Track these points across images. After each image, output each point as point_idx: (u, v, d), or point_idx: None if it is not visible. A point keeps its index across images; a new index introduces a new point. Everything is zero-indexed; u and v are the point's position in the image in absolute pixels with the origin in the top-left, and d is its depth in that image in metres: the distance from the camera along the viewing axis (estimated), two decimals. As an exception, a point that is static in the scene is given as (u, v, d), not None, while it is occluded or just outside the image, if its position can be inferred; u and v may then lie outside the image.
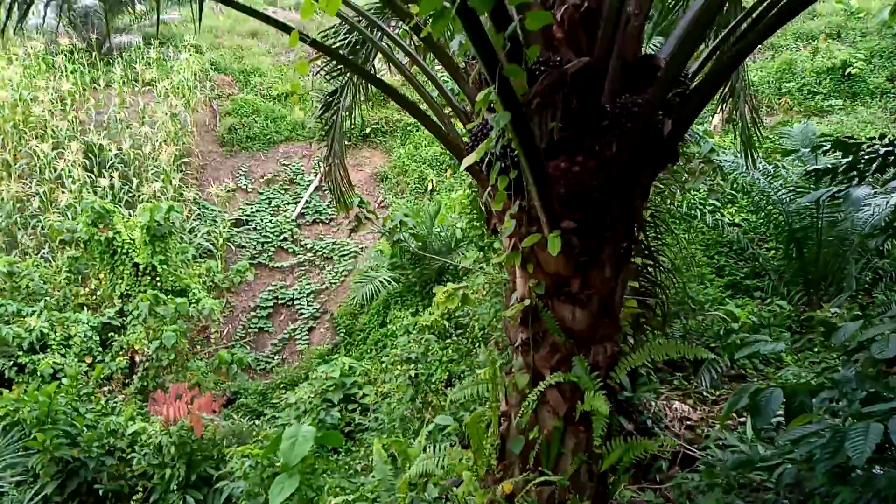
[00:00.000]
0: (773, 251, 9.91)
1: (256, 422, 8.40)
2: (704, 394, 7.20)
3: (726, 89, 6.59)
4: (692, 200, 10.40)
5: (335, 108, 6.91)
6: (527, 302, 2.98)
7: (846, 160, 4.77)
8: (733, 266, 9.99)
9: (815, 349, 6.90)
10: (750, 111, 6.90)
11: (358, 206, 8.32)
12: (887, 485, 3.51)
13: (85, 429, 7.24)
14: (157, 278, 10.51)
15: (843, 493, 3.86)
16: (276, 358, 12.90)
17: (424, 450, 3.34)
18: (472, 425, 2.98)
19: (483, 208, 3.30)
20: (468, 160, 2.64)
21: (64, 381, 8.08)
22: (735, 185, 10.46)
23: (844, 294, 8.21)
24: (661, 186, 7.54)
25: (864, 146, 4.87)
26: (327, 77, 6.71)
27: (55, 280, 10.90)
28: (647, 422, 6.48)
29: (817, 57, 13.38)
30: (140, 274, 10.52)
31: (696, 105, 2.92)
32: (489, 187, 2.85)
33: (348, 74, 6.60)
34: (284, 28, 2.97)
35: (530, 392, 2.91)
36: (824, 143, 5.04)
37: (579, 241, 2.85)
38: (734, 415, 6.77)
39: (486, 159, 2.69)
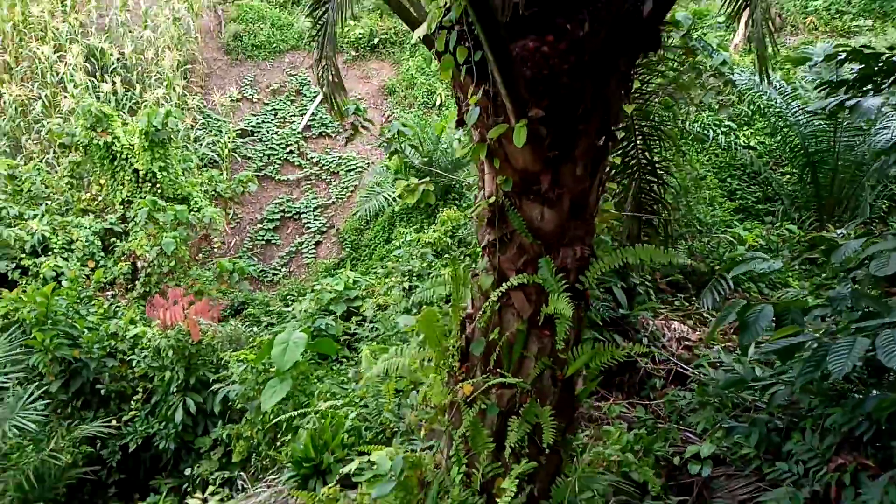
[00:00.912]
0: (788, 176, 9.59)
1: (255, 328, 8.49)
2: (705, 315, 7.11)
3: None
4: (706, 121, 10.00)
5: (326, 4, 6.58)
6: (492, 200, 2.82)
7: (860, 69, 4.45)
8: (745, 190, 9.71)
9: (821, 272, 6.71)
10: (765, 20, 6.45)
11: (354, 114, 8.05)
12: (877, 407, 3.43)
13: (86, 331, 7.35)
14: (158, 185, 10.42)
15: (835, 413, 3.79)
16: (283, 270, 12.99)
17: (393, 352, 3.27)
18: (425, 323, 2.89)
19: (455, 99, 3.09)
20: (420, 31, 2.41)
21: (64, 283, 8.15)
22: (752, 107, 10.02)
23: (858, 220, 7.95)
24: (669, 99, 7.21)
25: (882, 56, 4.53)
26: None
27: (57, 185, 10.86)
28: (644, 340, 6.43)
29: (850, -28, 12.54)
30: (140, 180, 10.44)
31: None
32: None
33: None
34: None
35: (493, 293, 2.80)
36: (840, 53, 4.68)
37: (549, 132, 2.64)
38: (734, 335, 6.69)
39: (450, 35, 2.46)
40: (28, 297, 7.05)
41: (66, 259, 9.31)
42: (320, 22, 7.50)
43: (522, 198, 2.84)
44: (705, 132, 9.49)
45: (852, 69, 5.00)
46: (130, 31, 15.17)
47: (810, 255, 6.70)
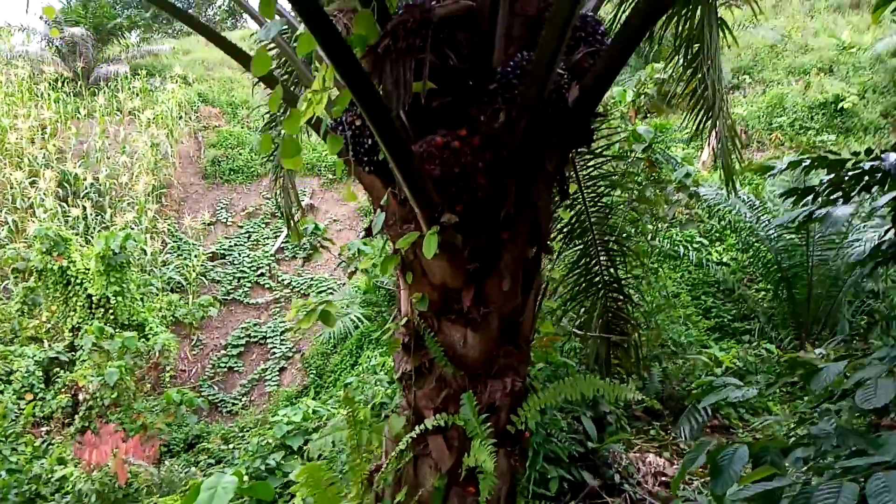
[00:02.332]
0: (763, 292, 9.31)
1: (195, 469, 7.71)
2: (682, 446, 6.55)
3: (703, 107, 6.03)
4: (676, 237, 9.85)
5: (278, 125, 6.49)
6: (403, 320, 2.40)
7: (828, 178, 4.22)
8: (720, 307, 9.38)
9: (802, 395, 6.24)
10: (731, 136, 6.39)
11: (313, 233, 7.79)
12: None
13: (4, 473, 6.61)
14: (111, 311, 9.94)
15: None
16: (243, 399, 12.24)
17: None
18: (312, 483, 2.36)
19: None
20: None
21: (-11, 418, 7.47)
22: (722, 222, 9.92)
23: (837, 338, 7.57)
24: (634, 214, 7.02)
25: (848, 162, 4.34)
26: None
27: (7, 312, 10.35)
28: (615, 477, 5.82)
29: (809, 91, 12.98)
30: (94, 306, 9.96)
31: (607, 65, 2.27)
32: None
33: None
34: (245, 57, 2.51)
35: (404, 438, 2.31)
36: (804, 160, 4.49)
37: (467, 241, 2.27)
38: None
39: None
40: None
41: (1, 392, 8.63)
42: (275, 142, 7.39)
43: (442, 319, 2.42)
44: (676, 248, 9.29)
45: (822, 179, 4.82)
46: (107, 157, 15.27)
47: (789, 379, 6.24)
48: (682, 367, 7.41)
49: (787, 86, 13.87)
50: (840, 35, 14.27)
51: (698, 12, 4.71)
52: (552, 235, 5.47)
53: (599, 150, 4.99)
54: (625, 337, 6.33)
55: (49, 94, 15.72)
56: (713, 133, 6.00)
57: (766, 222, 8.34)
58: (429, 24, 1.92)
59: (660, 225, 8.51)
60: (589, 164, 4.94)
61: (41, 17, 18.05)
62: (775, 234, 8.26)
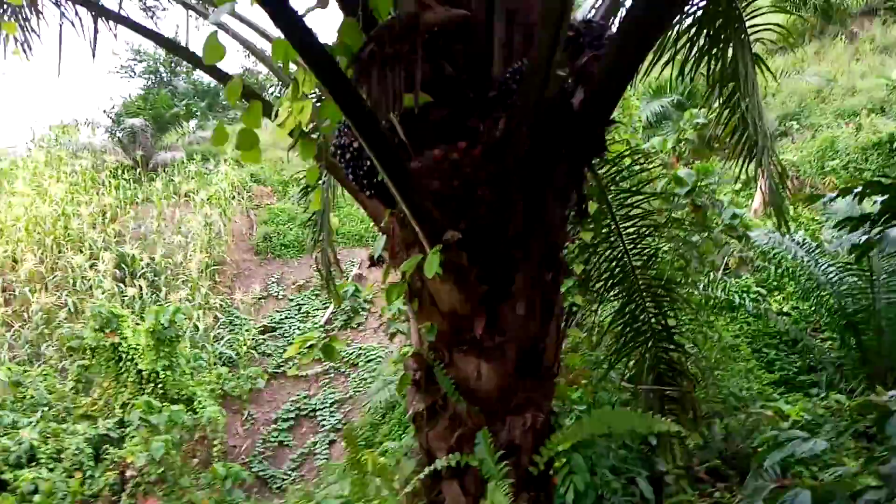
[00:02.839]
0: (829, 341, 8.71)
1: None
2: (751, 509, 5.97)
3: (745, 146, 5.78)
4: (731, 287, 9.40)
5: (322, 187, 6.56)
6: (406, 349, 2.23)
7: (882, 201, 3.93)
8: (784, 360, 8.80)
9: (879, 446, 5.64)
10: (777, 171, 6.10)
11: (353, 296, 7.73)
12: None
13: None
14: (161, 385, 10.03)
15: None
16: (293, 474, 12.03)
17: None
18: None
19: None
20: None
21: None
22: (780, 270, 9.45)
23: (912, 383, 6.95)
24: (682, 260, 6.72)
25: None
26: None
27: (61, 390, 10.57)
28: (677, 545, 5.35)
29: (861, 133, 12.51)
30: (144, 381, 10.08)
31: (611, 63, 2.06)
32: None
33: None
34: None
35: (412, 482, 2.11)
36: (856, 186, 4.21)
37: (474, 261, 2.11)
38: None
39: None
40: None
41: (51, 470, 8.68)
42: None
43: (453, 349, 2.25)
44: (731, 298, 8.85)
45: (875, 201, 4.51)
46: (163, 238, 15.87)
47: (860, 428, 5.68)
48: (746, 423, 6.90)
49: (837, 129, 13.44)
50: (890, 74, 13.86)
51: (730, 50, 4.59)
52: (592, 273, 5.24)
53: (635, 187, 4.82)
54: (680, 390, 5.96)
55: (110, 182, 16.59)
56: (762, 178, 5.74)
57: (826, 265, 7.89)
58: (417, 30, 1.84)
59: (712, 273, 8.15)
60: (626, 202, 4.76)
61: (104, 111, 19.31)
62: (836, 278, 7.78)
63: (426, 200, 2.03)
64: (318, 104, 1.90)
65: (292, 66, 1.80)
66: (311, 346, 2.55)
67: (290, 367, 13.90)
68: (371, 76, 1.79)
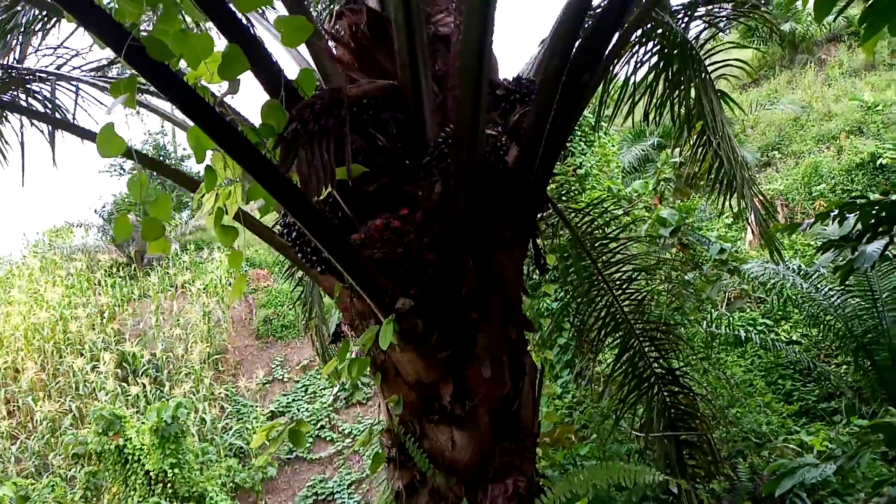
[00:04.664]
0: (844, 366, 8.54)
1: None
2: (786, 551, 5.72)
3: (723, 180, 5.76)
4: (736, 322, 9.27)
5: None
6: (379, 426, 2.16)
7: (856, 219, 3.93)
8: (801, 389, 8.60)
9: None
10: (760, 201, 6.08)
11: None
12: None
13: None
14: (170, 484, 9.76)
15: None
16: (314, 565, 11.60)
17: None
18: None
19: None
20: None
21: None
22: (782, 299, 9.35)
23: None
24: (677, 301, 6.65)
25: (878, 204, 4.04)
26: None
27: (69, 500, 10.28)
28: None
29: (843, 155, 12.62)
30: (152, 482, 9.82)
31: (537, 119, 2.09)
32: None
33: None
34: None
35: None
36: (832, 210, 4.22)
37: (430, 327, 2.06)
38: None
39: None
40: None
41: (62, 585, 8.36)
42: (301, 284, 7.45)
43: (424, 421, 2.18)
44: (737, 333, 8.72)
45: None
46: (163, 332, 15.77)
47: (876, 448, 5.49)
48: (769, 459, 6.68)
49: (819, 154, 13.58)
50: (862, 96, 14.09)
51: (692, 91, 4.65)
52: (591, 325, 5.17)
53: (614, 232, 4.80)
54: (695, 433, 5.81)
55: (106, 281, 16.63)
56: (750, 213, 5.73)
57: (827, 289, 7.81)
58: (341, 105, 1.85)
59: (711, 309, 8.05)
60: (607, 248, 4.73)
61: (95, 211, 19.56)
62: (839, 301, 7.70)
63: (372, 271, 2.01)
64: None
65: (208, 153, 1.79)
66: (275, 438, 2.46)
67: (302, 452, 13.58)
68: (297, 155, 1.78)
